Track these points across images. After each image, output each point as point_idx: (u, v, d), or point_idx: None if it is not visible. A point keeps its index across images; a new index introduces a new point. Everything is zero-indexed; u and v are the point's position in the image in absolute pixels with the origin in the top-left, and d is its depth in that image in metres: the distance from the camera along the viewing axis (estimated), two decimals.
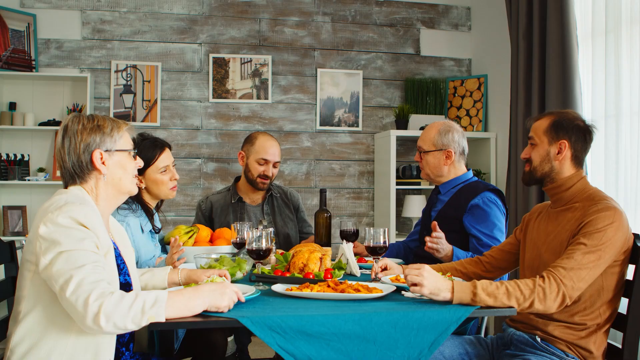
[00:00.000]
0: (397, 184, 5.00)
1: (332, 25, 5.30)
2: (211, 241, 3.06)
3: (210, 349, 2.76)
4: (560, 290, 2.02)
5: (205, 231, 3.03)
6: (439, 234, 2.81)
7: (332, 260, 2.82)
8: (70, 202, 1.85)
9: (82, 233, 1.80)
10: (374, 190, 5.35)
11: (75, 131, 1.99)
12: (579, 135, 2.30)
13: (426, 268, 1.99)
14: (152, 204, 2.88)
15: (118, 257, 2.02)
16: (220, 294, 1.83)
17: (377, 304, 2.00)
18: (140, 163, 2.13)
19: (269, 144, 3.52)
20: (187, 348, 2.71)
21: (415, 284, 1.97)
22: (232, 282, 2.37)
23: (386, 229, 2.45)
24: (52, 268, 1.74)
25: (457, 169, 3.10)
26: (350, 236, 3.00)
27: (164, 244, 3.00)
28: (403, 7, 5.43)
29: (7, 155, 4.61)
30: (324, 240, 3.15)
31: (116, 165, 2.03)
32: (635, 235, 2.21)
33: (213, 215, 3.57)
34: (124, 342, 2.02)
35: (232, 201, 3.56)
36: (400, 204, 5.23)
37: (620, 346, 2.18)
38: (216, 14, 5.09)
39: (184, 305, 1.78)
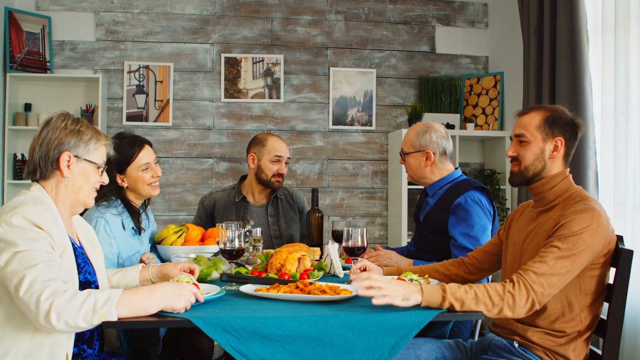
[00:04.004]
0: (409, 183, 4.92)
1: (345, 23, 5.25)
2: (202, 240, 3.05)
3: (195, 352, 2.75)
4: (529, 297, 1.94)
5: (195, 230, 3.02)
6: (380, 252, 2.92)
7: (317, 261, 2.78)
8: (25, 202, 1.87)
9: (36, 233, 1.81)
10: (387, 190, 5.28)
11: (56, 127, 2.02)
12: (572, 132, 2.21)
13: (384, 281, 1.90)
14: (137, 202, 2.87)
15: (80, 256, 2.03)
16: (177, 295, 1.82)
17: (338, 306, 1.96)
18: (105, 180, 2.13)
19: (279, 143, 3.57)
20: (171, 349, 2.71)
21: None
22: (208, 282, 2.36)
23: (365, 230, 2.41)
24: (7, 268, 1.76)
25: (442, 170, 3.03)
26: (341, 237, 2.96)
27: (155, 243, 3.00)
28: (418, 4, 5.35)
29: (22, 155, 4.70)
30: (316, 240, 3.12)
31: (80, 173, 2.04)
32: (619, 237, 2.11)
33: (215, 212, 3.56)
34: (85, 340, 2.03)
35: (236, 200, 3.55)
36: (413, 204, 5.15)
37: (601, 353, 2.09)
38: (228, 14, 5.10)
39: (138, 305, 1.77)
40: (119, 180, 2.77)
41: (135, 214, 2.81)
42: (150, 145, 2.90)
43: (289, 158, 3.58)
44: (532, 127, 2.20)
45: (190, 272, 2.28)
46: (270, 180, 3.50)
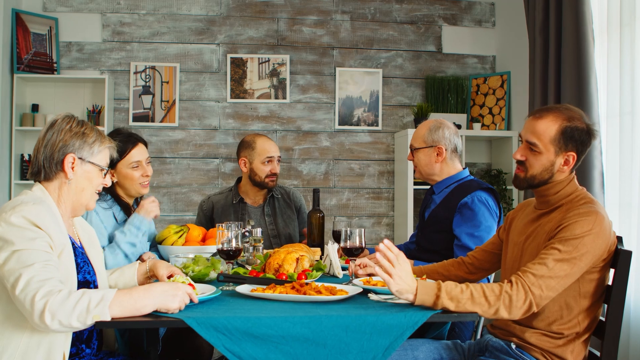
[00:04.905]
0: (415, 183, 4.91)
1: (351, 23, 5.24)
2: (204, 241, 3.05)
3: (195, 352, 2.75)
4: (527, 299, 1.92)
5: (196, 231, 3.02)
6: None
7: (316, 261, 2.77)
8: (25, 202, 1.88)
9: (34, 233, 1.82)
10: (394, 190, 5.26)
11: (61, 129, 2.03)
12: (585, 144, 2.13)
13: (401, 261, 1.90)
14: (128, 199, 2.88)
15: (80, 255, 2.04)
16: (172, 296, 1.82)
17: (332, 306, 1.95)
18: (107, 182, 2.13)
19: (268, 143, 3.55)
20: (172, 350, 2.71)
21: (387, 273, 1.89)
22: (206, 282, 2.36)
23: (363, 230, 2.40)
24: (4, 267, 1.77)
25: (451, 168, 3.01)
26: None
27: (156, 243, 3.00)
28: (424, 3, 5.32)
29: (30, 156, 4.74)
30: (317, 240, 3.11)
31: (84, 175, 2.05)
32: (619, 238, 2.09)
33: (214, 215, 3.58)
34: (83, 339, 2.03)
35: (234, 202, 3.56)
36: (419, 204, 5.12)
37: (599, 354, 2.07)
38: (234, 14, 5.11)
39: (131, 305, 1.77)
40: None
41: (125, 206, 2.83)
42: (145, 144, 2.91)
43: (280, 156, 3.57)
44: (546, 139, 2.11)
45: None
46: (264, 181, 3.50)
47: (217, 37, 5.09)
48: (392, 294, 1.95)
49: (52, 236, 1.87)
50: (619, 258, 2.02)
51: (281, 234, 3.52)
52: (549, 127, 2.11)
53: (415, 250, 3.08)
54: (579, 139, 2.11)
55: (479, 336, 2.75)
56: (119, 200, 2.83)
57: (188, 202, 5.04)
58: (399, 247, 3.33)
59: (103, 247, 2.69)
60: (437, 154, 2.99)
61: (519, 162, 2.21)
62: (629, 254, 2.02)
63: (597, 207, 2.05)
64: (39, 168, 2.02)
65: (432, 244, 2.97)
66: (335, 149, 5.21)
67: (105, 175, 2.12)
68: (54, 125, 2.03)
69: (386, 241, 1.95)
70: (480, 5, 5.39)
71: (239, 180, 3.67)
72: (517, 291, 1.92)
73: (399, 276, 1.88)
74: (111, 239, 2.75)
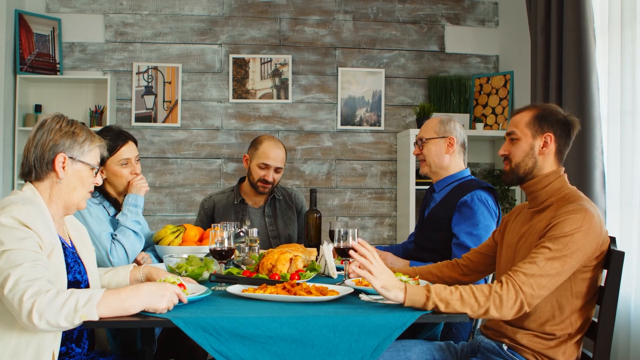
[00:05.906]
0: (417, 184, 4.89)
1: (354, 23, 5.23)
2: (201, 241, 3.05)
3: (190, 352, 2.75)
4: (518, 298, 1.90)
5: (193, 231, 3.02)
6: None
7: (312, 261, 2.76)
8: (14, 202, 1.88)
9: (24, 233, 1.82)
10: (396, 190, 5.25)
11: (51, 129, 2.03)
12: (564, 129, 2.20)
13: (378, 262, 1.92)
14: (116, 196, 2.90)
15: (70, 255, 2.04)
16: (160, 296, 1.81)
17: (321, 306, 1.94)
18: (98, 181, 2.14)
19: (271, 150, 3.46)
20: (166, 349, 2.71)
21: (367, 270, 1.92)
22: (199, 282, 2.35)
23: (356, 230, 2.38)
24: None
25: (458, 163, 3.02)
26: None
27: (153, 243, 3.01)
28: (427, 3, 5.31)
29: None
30: (314, 241, 3.11)
31: (75, 174, 2.05)
32: (612, 238, 2.07)
33: (215, 214, 3.58)
34: (73, 338, 2.04)
35: (235, 202, 3.56)
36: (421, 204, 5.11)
37: (592, 355, 2.05)
38: (236, 15, 5.11)
39: (119, 305, 1.77)
40: None
41: (114, 202, 2.86)
42: (135, 142, 2.92)
43: (280, 168, 3.48)
44: (522, 125, 2.21)
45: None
46: (255, 184, 3.48)
47: (219, 37, 5.10)
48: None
49: (42, 236, 1.87)
50: (611, 258, 2.01)
51: (281, 235, 3.52)
52: (524, 115, 2.23)
53: (414, 250, 3.07)
54: (554, 121, 2.19)
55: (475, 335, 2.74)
56: (108, 196, 2.85)
57: (190, 202, 5.05)
58: (397, 247, 3.32)
59: (111, 234, 2.73)
60: (448, 145, 2.99)
61: (504, 158, 2.28)
62: (621, 254, 2.00)
63: (587, 204, 2.04)
64: (29, 168, 2.03)
65: (431, 242, 2.97)
66: (338, 149, 5.20)
67: (96, 174, 2.12)
68: (43, 125, 2.04)
69: (359, 239, 2.01)
70: (484, 4, 5.36)
71: (242, 180, 3.67)
72: (507, 291, 1.91)
73: (378, 272, 1.90)
74: (114, 225, 2.78)
